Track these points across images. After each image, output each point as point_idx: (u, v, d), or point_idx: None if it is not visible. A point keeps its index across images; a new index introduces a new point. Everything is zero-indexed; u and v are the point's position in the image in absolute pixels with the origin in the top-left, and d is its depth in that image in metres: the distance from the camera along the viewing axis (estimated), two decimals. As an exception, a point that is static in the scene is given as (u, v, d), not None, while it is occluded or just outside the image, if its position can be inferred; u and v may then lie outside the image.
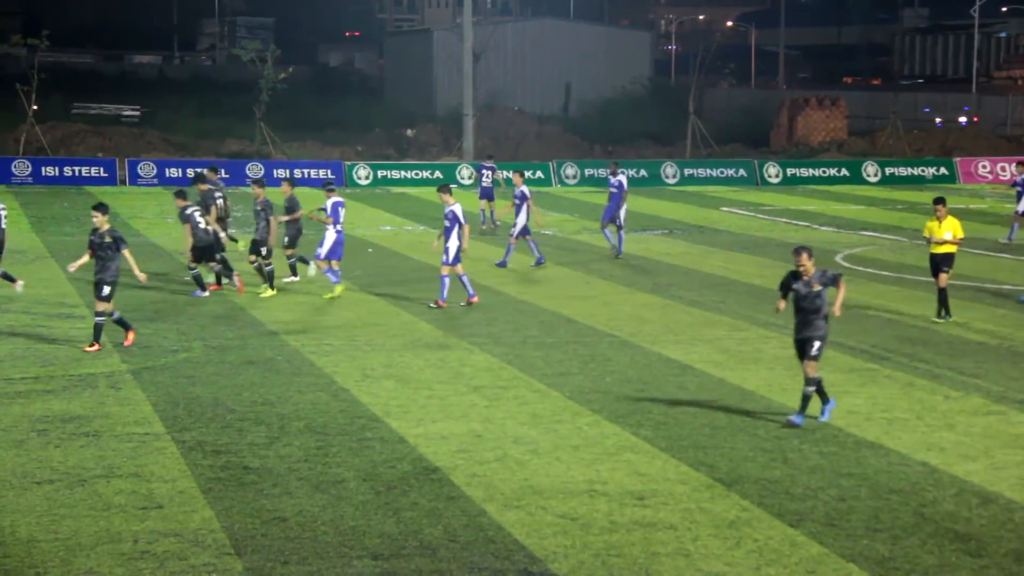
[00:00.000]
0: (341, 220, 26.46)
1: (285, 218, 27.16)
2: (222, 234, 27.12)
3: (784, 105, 73.67)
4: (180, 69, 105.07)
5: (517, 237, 31.29)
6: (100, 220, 20.85)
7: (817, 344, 16.59)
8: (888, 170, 59.89)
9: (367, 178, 56.04)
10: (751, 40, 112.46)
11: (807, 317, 16.70)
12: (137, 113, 75.44)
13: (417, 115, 73.37)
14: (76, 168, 54.56)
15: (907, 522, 13.20)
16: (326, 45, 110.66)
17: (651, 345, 22.05)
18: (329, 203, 26.42)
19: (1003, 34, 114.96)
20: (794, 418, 16.69)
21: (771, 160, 61.33)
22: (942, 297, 24.24)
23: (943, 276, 24.13)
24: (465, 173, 56.21)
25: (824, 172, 59.78)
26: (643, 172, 58.35)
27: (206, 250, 26.39)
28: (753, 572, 11.87)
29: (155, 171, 54.27)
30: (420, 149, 65.55)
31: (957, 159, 61.47)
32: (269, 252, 26.53)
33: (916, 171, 60.30)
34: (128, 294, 26.15)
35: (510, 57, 78.05)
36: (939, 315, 24.31)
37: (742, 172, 59.08)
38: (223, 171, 53.12)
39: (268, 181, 52.69)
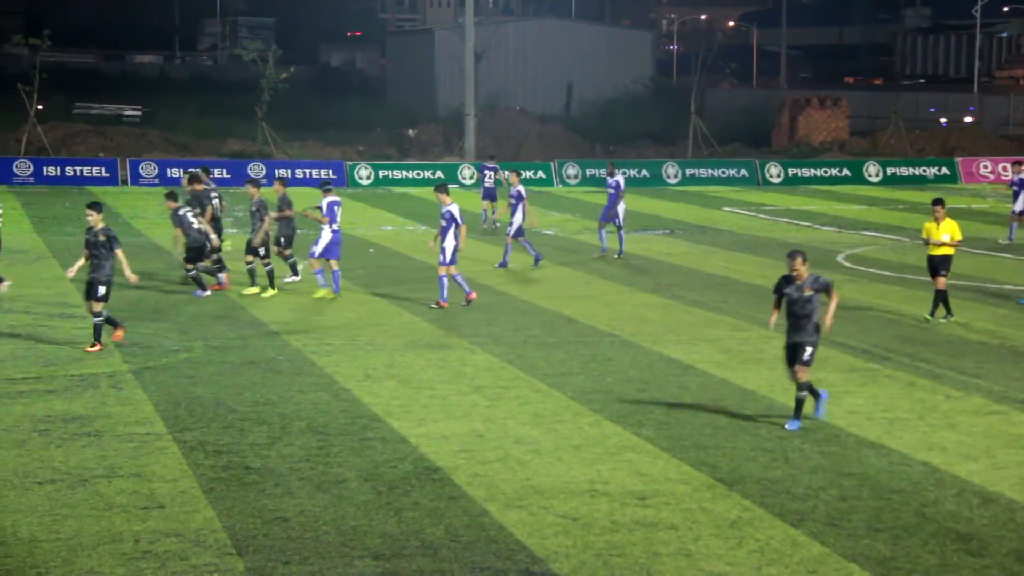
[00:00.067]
0: (337, 219, 26.42)
1: (275, 215, 27.10)
2: (212, 235, 27.12)
3: (786, 105, 73.67)
4: (181, 69, 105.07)
5: (513, 237, 31.30)
6: (95, 218, 20.86)
7: (809, 350, 16.48)
8: (889, 170, 59.89)
9: (368, 178, 56.05)
10: (753, 40, 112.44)
11: (799, 322, 16.60)
12: (138, 113, 75.45)
13: (418, 115, 73.38)
14: (78, 168, 54.58)
15: (908, 522, 13.21)
16: (328, 45, 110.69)
17: (652, 345, 22.06)
18: (325, 202, 26.38)
19: (1005, 34, 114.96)
20: (789, 424, 16.61)
21: (772, 160, 61.34)
22: (943, 298, 24.21)
23: (941, 279, 24.08)
24: (467, 173, 56.22)
25: (825, 172, 59.78)
26: (644, 172, 58.37)
27: (199, 251, 26.43)
28: (755, 572, 11.87)
29: (156, 171, 54.27)
30: (422, 149, 65.56)
31: (959, 159, 61.48)
32: (267, 252, 26.52)
33: (918, 171, 60.30)
34: (129, 294, 26.17)
35: (511, 57, 78.05)
36: (932, 315, 24.24)
37: (743, 172, 59.08)
38: (224, 171, 53.28)
39: (270, 181, 52.98)
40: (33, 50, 59.87)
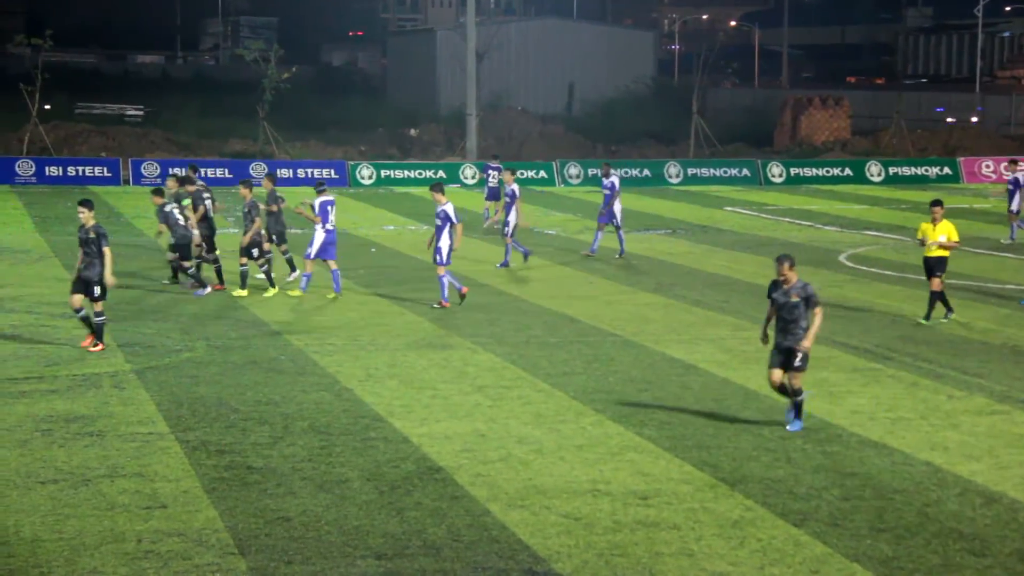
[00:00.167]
0: (331, 219, 26.35)
1: (263, 207, 27.05)
2: (195, 232, 27.17)
3: (787, 105, 73.65)
4: (183, 69, 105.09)
5: (511, 236, 31.30)
6: (86, 216, 20.83)
7: (800, 355, 16.31)
8: (892, 170, 59.87)
9: (370, 178, 56.05)
10: (754, 40, 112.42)
11: (787, 326, 16.42)
12: (140, 113, 75.48)
13: (420, 115, 73.39)
14: (80, 168, 54.59)
15: (911, 522, 13.20)
16: (329, 45, 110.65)
17: (654, 345, 22.05)
18: (317, 202, 26.33)
19: (1007, 33, 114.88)
20: (792, 425, 16.50)
21: (774, 160, 61.34)
22: (940, 298, 24.13)
23: (936, 280, 24.02)
24: (468, 173, 56.21)
25: (827, 172, 59.76)
26: (646, 172, 58.36)
27: (186, 247, 26.46)
28: (757, 572, 11.87)
29: (159, 171, 54.23)
30: (423, 149, 65.57)
31: (961, 159, 61.46)
32: (261, 252, 26.47)
33: (920, 171, 60.29)
34: (132, 294, 26.20)
35: (513, 57, 78.05)
36: (928, 317, 24.16)
37: (745, 172, 59.06)
38: (226, 171, 53.29)
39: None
40: (35, 50, 59.87)
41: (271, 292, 26.51)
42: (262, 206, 26.97)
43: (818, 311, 16.41)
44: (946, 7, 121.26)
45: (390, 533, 12.69)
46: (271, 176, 28.12)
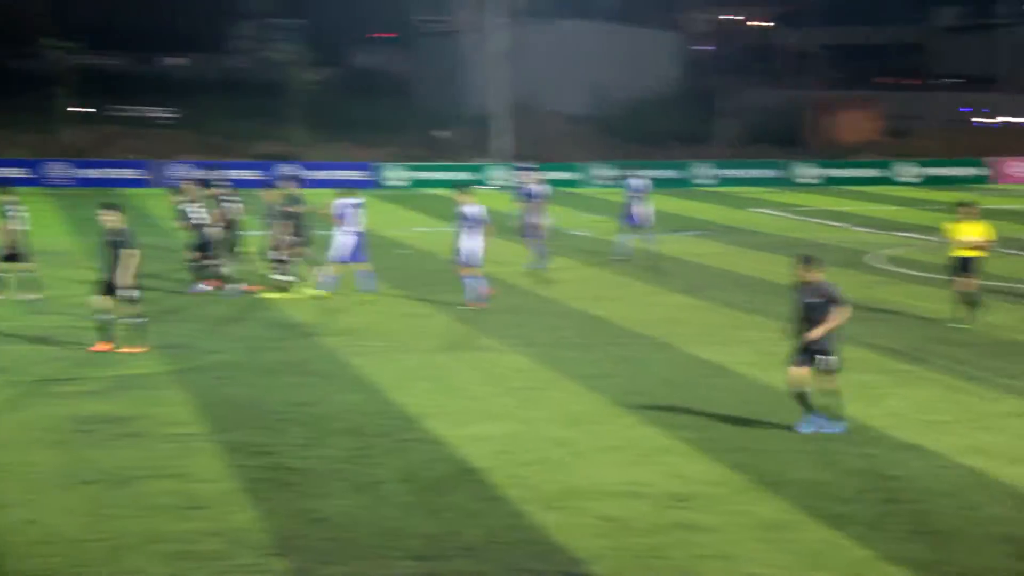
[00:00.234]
0: (355, 222, 26.37)
1: (289, 209, 27.11)
2: (213, 231, 27.35)
3: (817, 105, 73.42)
4: (213, 71, 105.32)
5: (529, 236, 31.24)
6: (112, 219, 20.86)
7: (826, 359, 16.19)
8: (923, 171, 59.63)
9: (400, 180, 56.14)
10: (783, 40, 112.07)
11: (810, 327, 16.27)
12: (171, 115, 75.76)
13: (449, 116, 73.42)
14: (110, 170, 54.90)
15: (951, 525, 13.14)
16: (358, 47, 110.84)
17: (686, 346, 22.02)
18: (339, 203, 26.39)
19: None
20: (831, 428, 16.40)
21: (804, 161, 61.17)
22: (968, 300, 23.98)
23: (969, 281, 23.89)
24: (497, 174, 56.25)
25: (858, 173, 59.57)
26: (675, 173, 58.28)
27: (203, 247, 26.56)
28: (795, 575, 11.83)
29: (188, 173, 54.40)
30: (453, 150, 65.64)
31: (993, 159, 61.16)
32: (281, 255, 26.50)
33: (951, 171, 60.02)
34: (168, 297, 26.31)
35: (542, 58, 77.95)
36: (961, 319, 24.04)
37: (774, 173, 58.92)
38: (256, 173, 53.45)
39: (302, 183, 53.07)
40: (67, 53, 60.23)
41: (273, 295, 26.44)
42: (288, 208, 27.03)
43: (840, 312, 16.26)
44: (977, 6, 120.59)
45: (427, 534, 12.71)
46: (295, 178, 28.10)
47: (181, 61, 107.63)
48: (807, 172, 58.87)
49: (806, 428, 16.35)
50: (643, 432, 16.51)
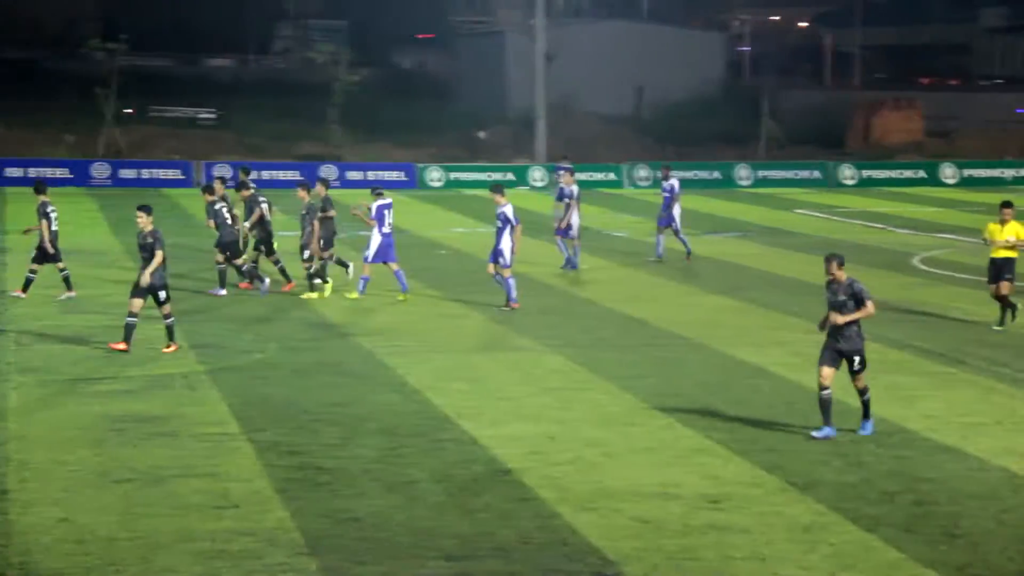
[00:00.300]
0: (388, 222, 26.41)
1: (320, 215, 27.13)
2: (247, 234, 27.47)
3: (860, 106, 72.97)
4: (255, 72, 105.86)
5: (561, 235, 31.17)
6: (144, 221, 20.94)
7: (857, 359, 16.04)
8: (966, 172, 59.18)
9: (439, 180, 56.23)
10: (826, 40, 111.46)
11: (839, 327, 16.08)
12: (212, 116, 76.16)
13: (489, 117, 73.44)
14: (153, 171, 55.25)
15: (986, 528, 13.02)
16: (399, 47, 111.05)
17: (724, 348, 21.92)
18: (374, 205, 26.43)
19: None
20: (862, 429, 16.25)
21: (846, 162, 60.84)
22: (1005, 303, 23.77)
23: (1005, 284, 23.66)
24: (537, 175, 56.23)
25: (900, 174, 59.19)
26: (716, 174, 58.14)
27: (230, 246, 26.64)
28: (828, 577, 11.77)
29: (230, 173, 54.66)
30: (492, 151, 65.66)
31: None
32: (310, 256, 26.54)
33: (995, 173, 59.52)
34: (203, 297, 26.43)
35: (582, 58, 77.83)
36: (1003, 323, 23.81)
37: (816, 174, 58.65)
38: (297, 173, 53.61)
39: (342, 184, 53.35)
40: (110, 54, 60.68)
41: (313, 295, 26.48)
42: (319, 215, 27.05)
43: (868, 305, 16.06)
44: (1022, 7, 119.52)
45: (460, 534, 12.71)
46: (324, 181, 28.06)
47: (223, 62, 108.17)
48: (849, 173, 58.53)
49: (819, 434, 16.12)
50: (677, 433, 16.45)
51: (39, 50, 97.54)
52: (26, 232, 27.25)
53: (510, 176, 56.39)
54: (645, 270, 31.73)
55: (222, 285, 26.59)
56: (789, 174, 58.62)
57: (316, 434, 16.21)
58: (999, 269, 23.70)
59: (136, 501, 13.58)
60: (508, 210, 25.21)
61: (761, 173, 58.45)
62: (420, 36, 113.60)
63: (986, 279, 24.23)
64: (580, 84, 73.23)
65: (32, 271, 25.80)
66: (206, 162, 56.01)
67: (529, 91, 63.41)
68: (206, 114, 76.15)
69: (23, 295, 25.60)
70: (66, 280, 26.03)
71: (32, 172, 51.51)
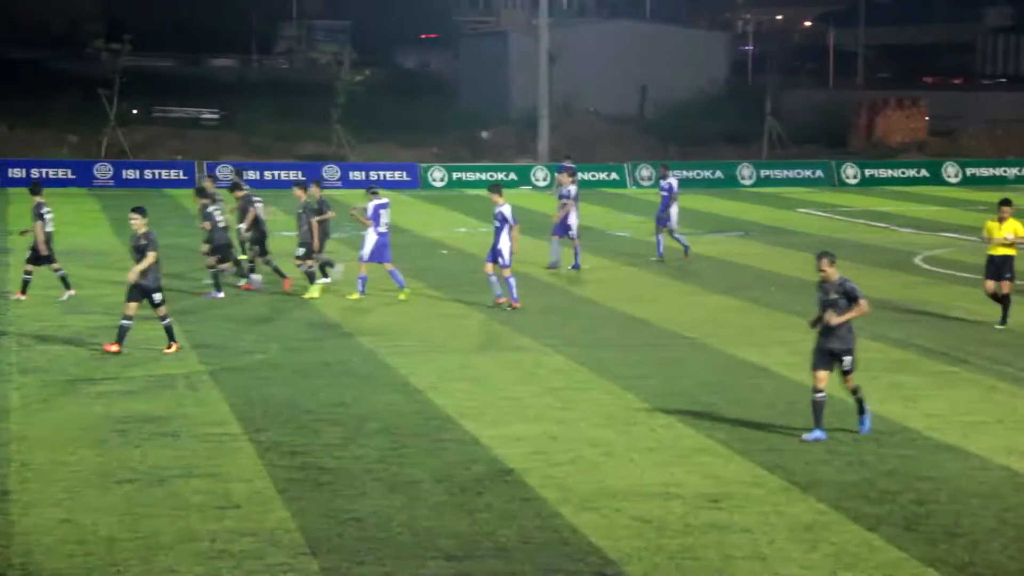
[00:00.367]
0: (384, 222, 26.41)
1: (318, 218, 27.14)
2: (244, 234, 27.51)
3: (863, 105, 72.91)
4: (258, 72, 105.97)
5: (559, 235, 31.16)
6: (138, 223, 20.94)
7: (848, 359, 15.93)
8: (969, 171, 59.13)
9: (442, 180, 56.24)
10: (829, 40, 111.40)
11: (830, 327, 16.01)
12: (216, 116, 76.20)
13: (492, 117, 73.47)
14: (156, 171, 55.26)
15: (988, 527, 13.02)
16: (402, 47, 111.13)
17: (726, 347, 21.92)
18: (370, 205, 26.43)
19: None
20: (808, 436, 16.01)
21: (849, 161, 60.78)
22: (1006, 302, 23.72)
23: (1007, 283, 23.64)
24: (540, 175, 56.23)
25: (903, 173, 59.14)
26: (719, 173, 58.10)
27: (222, 249, 26.64)
28: (829, 577, 11.77)
29: (247, 175, 54.74)
30: (495, 151, 65.66)
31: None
32: (307, 253, 26.55)
33: (998, 172, 59.47)
34: (202, 299, 26.43)
35: (585, 58, 77.84)
36: (1003, 321, 23.77)
37: (819, 173, 58.61)
38: (299, 174, 53.62)
39: (344, 184, 53.37)
40: (114, 54, 60.71)
41: (312, 293, 26.50)
42: (316, 217, 27.03)
43: (861, 303, 15.95)
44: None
45: (461, 534, 12.72)
46: (317, 182, 28.04)
47: (227, 62, 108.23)
48: (852, 172, 58.50)
49: (809, 437, 16.00)
50: (678, 433, 16.45)
51: (42, 50, 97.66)
52: (23, 233, 27.26)
53: (513, 176, 56.37)
54: (647, 270, 31.73)
55: (218, 288, 26.58)
56: (792, 173, 58.58)
57: (318, 434, 16.22)
58: (999, 268, 23.70)
59: (138, 501, 13.59)
60: (506, 210, 25.22)
61: (764, 172, 58.42)
62: (423, 36, 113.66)
63: (984, 278, 24.20)
64: (583, 84, 73.26)
65: (27, 272, 25.84)
66: (209, 162, 56.02)
67: (532, 91, 63.41)
68: (209, 114, 76.19)
69: (23, 297, 25.63)
70: (63, 280, 26.04)
71: (35, 173, 51.58)
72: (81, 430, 16.32)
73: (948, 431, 16.58)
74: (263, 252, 27.77)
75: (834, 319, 15.95)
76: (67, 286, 26.02)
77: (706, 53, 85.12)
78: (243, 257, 28.19)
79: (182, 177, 54.84)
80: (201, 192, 27.41)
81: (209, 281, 26.83)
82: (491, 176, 56.24)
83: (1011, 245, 23.68)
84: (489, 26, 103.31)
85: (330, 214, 27.38)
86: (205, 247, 26.77)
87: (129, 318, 20.65)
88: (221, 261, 26.71)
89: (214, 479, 14.36)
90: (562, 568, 11.92)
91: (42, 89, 74.01)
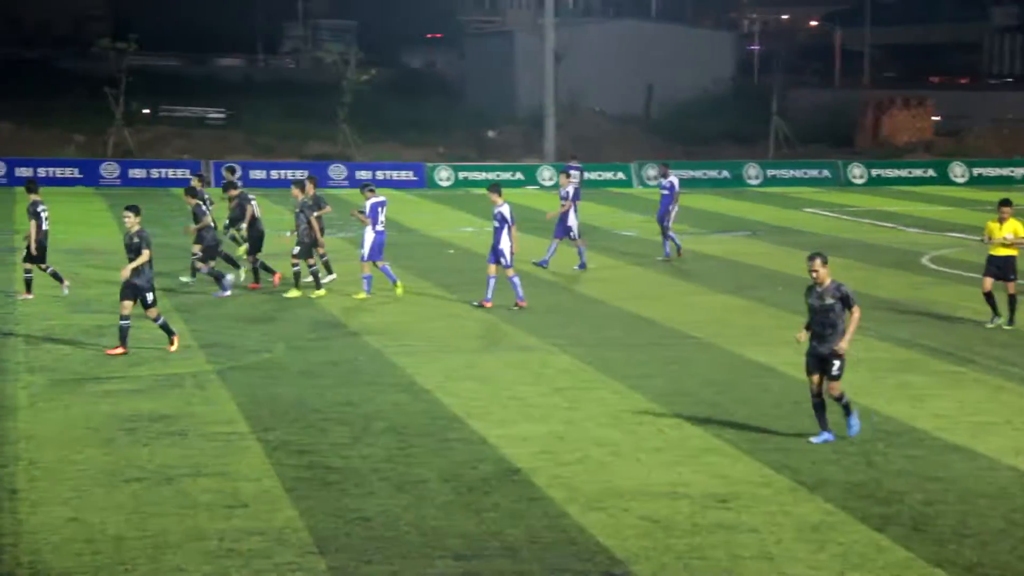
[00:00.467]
0: (381, 220, 26.43)
1: (316, 213, 27.12)
2: (234, 232, 27.60)
3: (869, 105, 72.85)
4: (264, 72, 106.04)
5: (559, 236, 31.13)
6: (132, 221, 20.94)
7: (837, 363, 15.70)
8: (976, 170, 59.08)
9: (448, 179, 56.24)
10: (835, 39, 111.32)
11: (823, 331, 15.77)
12: (222, 115, 76.27)
13: (498, 116, 73.49)
14: (162, 170, 55.32)
15: (996, 527, 13.00)
16: (408, 47, 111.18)
17: (733, 347, 21.91)
18: (368, 204, 26.46)
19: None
20: (815, 439, 15.87)
21: (856, 161, 60.75)
22: (990, 302, 23.66)
23: (1011, 284, 23.61)
24: (546, 174, 56.21)
25: (910, 173, 59.09)
26: (725, 173, 58.08)
27: (211, 250, 26.66)
28: (837, 577, 11.76)
29: (239, 173, 54.75)
30: (501, 150, 65.66)
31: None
32: (304, 252, 26.54)
33: (1005, 171, 59.40)
34: (208, 298, 26.45)
35: (591, 58, 77.84)
36: (1012, 321, 23.71)
37: (826, 173, 58.57)
38: (306, 173, 53.61)
39: (351, 183, 53.35)
40: (120, 53, 60.78)
41: (318, 293, 26.53)
42: (316, 213, 27.05)
43: (856, 311, 15.78)
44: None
45: (468, 534, 12.72)
46: (312, 179, 28.05)
47: (233, 62, 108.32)
48: (858, 172, 58.46)
49: (817, 439, 15.92)
50: (686, 432, 16.45)
51: (49, 50, 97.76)
52: (26, 237, 27.30)
53: (519, 176, 56.37)
54: (653, 269, 31.71)
55: (222, 286, 26.60)
56: (798, 173, 58.55)
57: (325, 433, 16.23)
58: (1001, 269, 23.66)
59: (145, 500, 13.60)
60: (505, 210, 25.23)
61: (770, 172, 58.39)
62: (429, 36, 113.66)
63: (983, 276, 24.16)
64: (589, 83, 73.25)
65: (27, 271, 25.90)
66: (215, 162, 56.06)
67: (538, 90, 63.43)
68: (215, 114, 76.26)
69: (30, 296, 25.66)
70: (55, 275, 26.07)
71: (42, 172, 51.70)
72: (89, 429, 16.34)
73: (956, 431, 16.56)
74: (254, 251, 27.71)
75: (844, 346, 15.67)
76: (60, 279, 26.05)
77: (712, 52, 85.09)
78: (241, 250, 28.23)
79: (188, 176, 54.73)
80: (192, 192, 27.40)
81: (188, 279, 26.81)
82: (497, 176, 56.24)
83: (1011, 245, 23.66)
84: (494, 26, 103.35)
85: (327, 208, 27.41)
86: (197, 248, 26.79)
87: (126, 317, 20.68)
88: (205, 259, 26.62)
89: (222, 478, 14.37)
90: (570, 568, 11.92)
91: (48, 88, 74.19)
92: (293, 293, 26.45)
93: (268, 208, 39.20)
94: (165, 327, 21.03)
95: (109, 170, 54.51)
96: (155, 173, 54.92)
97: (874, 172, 58.69)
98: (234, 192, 28.12)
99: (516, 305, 25.33)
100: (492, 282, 25.31)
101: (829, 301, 15.82)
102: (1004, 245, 23.64)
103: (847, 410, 16.04)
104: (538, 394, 18.47)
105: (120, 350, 20.66)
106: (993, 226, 23.89)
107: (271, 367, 20.09)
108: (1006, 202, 24.00)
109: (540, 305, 25.66)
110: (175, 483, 14.18)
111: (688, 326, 23.81)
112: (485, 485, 14.23)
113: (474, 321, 24.32)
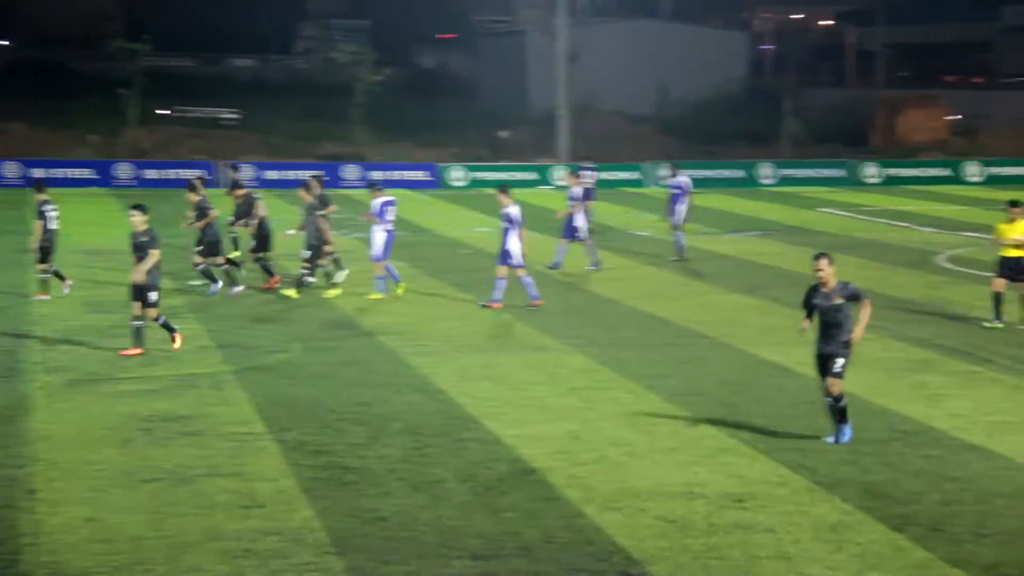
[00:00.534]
0: (389, 219, 26.45)
1: (322, 212, 27.13)
2: (234, 231, 27.68)
3: (883, 104, 72.71)
4: (277, 72, 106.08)
5: (568, 237, 31.11)
6: (138, 220, 20.97)
7: (840, 361, 15.63)
8: (991, 170, 58.93)
9: (462, 180, 56.26)
10: (849, 39, 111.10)
11: (829, 331, 15.73)
12: (235, 116, 76.35)
13: (511, 116, 73.47)
14: (176, 171, 55.40)
15: (1014, 527, 12.97)
16: (421, 47, 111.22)
17: (748, 347, 21.89)
18: (377, 202, 26.48)
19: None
20: (837, 437, 15.79)
21: (869, 160, 60.66)
22: (996, 302, 23.64)
23: (1022, 285, 23.54)
24: (559, 174, 56.19)
25: (924, 172, 58.99)
26: (739, 173, 58.01)
27: (213, 246, 26.68)
28: (855, 577, 11.74)
29: (253, 174, 54.86)
30: (514, 150, 65.66)
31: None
32: (315, 255, 26.54)
33: (1019, 171, 59.24)
34: (222, 299, 26.49)
35: (604, 58, 77.78)
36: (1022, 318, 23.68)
37: (840, 172, 58.49)
38: (320, 174, 53.69)
39: (364, 183, 53.35)
40: (134, 54, 60.91)
41: (333, 292, 26.55)
42: (321, 212, 27.09)
43: (867, 304, 15.71)
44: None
45: (485, 534, 12.73)
46: (318, 179, 28.10)
47: (246, 62, 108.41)
48: (872, 171, 58.37)
49: (832, 440, 15.87)
50: (702, 432, 16.43)
51: (62, 50, 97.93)
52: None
53: (533, 175, 56.35)
54: (667, 269, 31.69)
55: (234, 283, 26.65)
56: (812, 172, 58.47)
57: (341, 433, 16.25)
58: (1013, 270, 23.59)
59: (163, 500, 13.63)
60: (513, 211, 25.23)
61: (784, 172, 58.31)
62: (442, 36, 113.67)
63: (994, 275, 24.11)
64: (602, 83, 73.17)
65: (45, 271, 25.98)
66: (228, 162, 56.10)
67: (551, 90, 63.42)
68: (229, 114, 76.35)
69: (47, 296, 25.74)
70: (56, 274, 26.14)
71: (56, 172, 51.83)
72: (106, 429, 16.38)
73: (973, 431, 16.53)
74: (259, 250, 27.71)
75: (860, 333, 15.71)
76: (62, 278, 26.11)
77: (724, 52, 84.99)
78: (235, 254, 28.27)
79: (204, 177, 54.89)
80: (193, 189, 27.44)
81: (201, 281, 26.91)
82: (511, 176, 56.25)
83: (1021, 246, 23.58)
84: (507, 25, 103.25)
85: (332, 207, 27.45)
86: (198, 248, 26.84)
87: (139, 318, 20.73)
88: (203, 256, 26.63)
89: (239, 478, 14.40)
90: (586, 568, 11.92)
91: (62, 89, 74.31)
92: (291, 293, 26.45)
93: (283, 209, 39.41)
94: (166, 325, 21.07)
95: (123, 171, 54.62)
96: (169, 174, 54.99)
97: (888, 171, 58.60)
98: (240, 191, 28.16)
99: (530, 304, 25.32)
100: (502, 283, 25.31)
101: (838, 301, 15.83)
102: (1016, 246, 23.56)
103: (842, 415, 15.82)
104: (553, 394, 18.47)
105: (136, 351, 20.70)
106: (1003, 227, 23.83)
107: (287, 367, 20.12)
108: (1015, 203, 23.94)
109: (554, 305, 25.66)
110: (192, 483, 14.21)
111: (702, 326, 23.79)
112: (501, 485, 14.24)
113: (488, 321, 24.32)
